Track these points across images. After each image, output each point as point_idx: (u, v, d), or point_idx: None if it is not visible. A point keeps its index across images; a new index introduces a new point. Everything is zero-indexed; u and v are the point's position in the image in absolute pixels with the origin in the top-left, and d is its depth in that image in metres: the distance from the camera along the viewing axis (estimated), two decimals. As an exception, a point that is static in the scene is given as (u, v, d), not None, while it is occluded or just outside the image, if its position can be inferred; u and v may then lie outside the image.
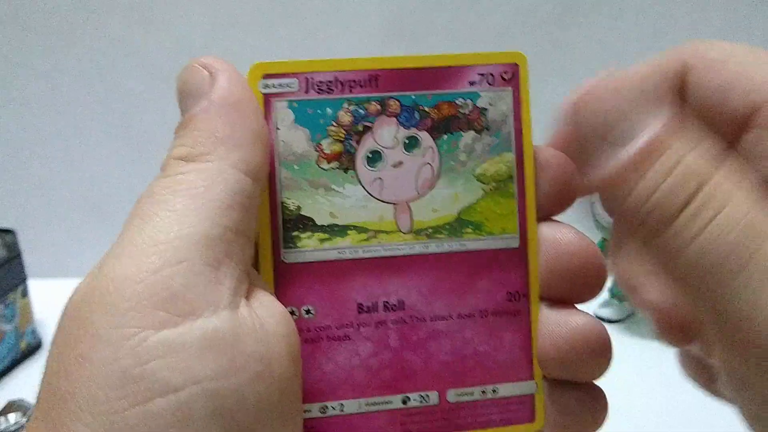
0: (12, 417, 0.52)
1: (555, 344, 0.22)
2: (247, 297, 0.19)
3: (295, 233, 0.21)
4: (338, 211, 0.22)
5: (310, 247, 0.21)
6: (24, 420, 0.52)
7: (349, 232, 0.22)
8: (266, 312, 0.19)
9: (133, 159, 0.80)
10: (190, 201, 0.18)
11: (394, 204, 0.22)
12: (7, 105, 0.79)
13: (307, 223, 0.21)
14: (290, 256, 0.21)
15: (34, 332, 0.64)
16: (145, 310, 0.17)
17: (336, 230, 0.22)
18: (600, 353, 0.22)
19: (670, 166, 0.18)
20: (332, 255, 0.21)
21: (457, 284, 0.22)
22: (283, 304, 0.20)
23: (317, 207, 0.21)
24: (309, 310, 0.21)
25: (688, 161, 0.18)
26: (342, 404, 0.22)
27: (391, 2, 0.76)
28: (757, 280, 0.17)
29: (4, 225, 0.64)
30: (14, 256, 0.61)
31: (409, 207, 0.22)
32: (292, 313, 0.21)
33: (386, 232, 0.22)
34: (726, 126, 0.21)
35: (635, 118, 0.19)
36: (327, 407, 0.21)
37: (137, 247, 0.17)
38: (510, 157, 0.22)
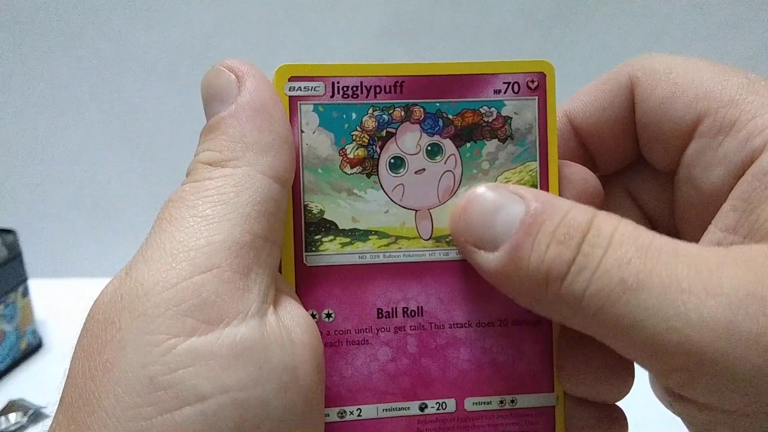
0: (12, 417, 0.52)
1: (576, 362, 0.22)
2: (274, 304, 0.19)
3: (318, 237, 0.21)
4: (360, 215, 0.22)
5: (331, 251, 0.21)
6: (24, 420, 0.52)
7: (370, 237, 0.22)
8: (292, 320, 0.19)
9: (134, 159, 0.80)
10: (220, 207, 0.18)
11: (415, 210, 0.22)
12: (7, 105, 0.79)
13: (329, 227, 0.21)
14: (312, 260, 0.21)
15: (34, 332, 0.64)
16: (174, 317, 0.16)
17: (357, 235, 0.22)
18: (622, 374, 0.21)
19: (551, 231, 0.18)
20: (353, 259, 0.22)
21: (477, 292, 0.22)
22: (303, 306, 0.20)
23: (340, 211, 0.21)
24: (329, 313, 0.22)
25: (567, 221, 0.18)
26: (360, 409, 0.22)
27: (391, 2, 0.76)
28: (656, 296, 0.17)
29: (5, 225, 0.64)
30: (15, 256, 0.61)
31: (430, 214, 0.22)
32: (312, 315, 0.21)
33: (407, 238, 0.22)
34: (672, 138, 0.21)
35: (504, 213, 0.19)
36: (345, 412, 0.21)
37: (167, 252, 0.17)
38: (534, 166, 0.22)
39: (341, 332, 0.21)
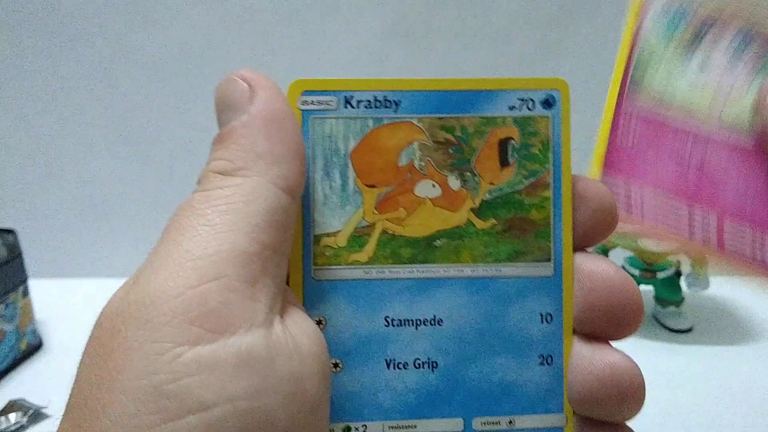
0: (12, 417, 0.52)
1: (584, 381, 0.21)
2: (281, 314, 0.19)
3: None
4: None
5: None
6: (25, 420, 0.52)
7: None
8: (299, 330, 0.19)
9: (133, 159, 0.80)
10: (229, 216, 0.18)
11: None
12: (7, 105, 0.79)
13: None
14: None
15: (34, 332, 0.64)
16: (180, 326, 0.16)
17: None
18: (631, 394, 0.21)
19: None
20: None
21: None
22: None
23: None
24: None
25: None
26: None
27: (391, 2, 0.76)
28: None
29: (5, 225, 0.64)
30: (15, 256, 0.61)
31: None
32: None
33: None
34: None
35: None
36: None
37: (174, 261, 0.17)
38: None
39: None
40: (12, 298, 0.61)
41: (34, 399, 0.54)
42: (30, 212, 0.81)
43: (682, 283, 0.66)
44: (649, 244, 0.60)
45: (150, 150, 0.80)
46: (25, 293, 0.63)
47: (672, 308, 0.65)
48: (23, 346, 0.62)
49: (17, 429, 0.52)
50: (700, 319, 0.67)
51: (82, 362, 0.17)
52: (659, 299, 0.66)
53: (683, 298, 0.66)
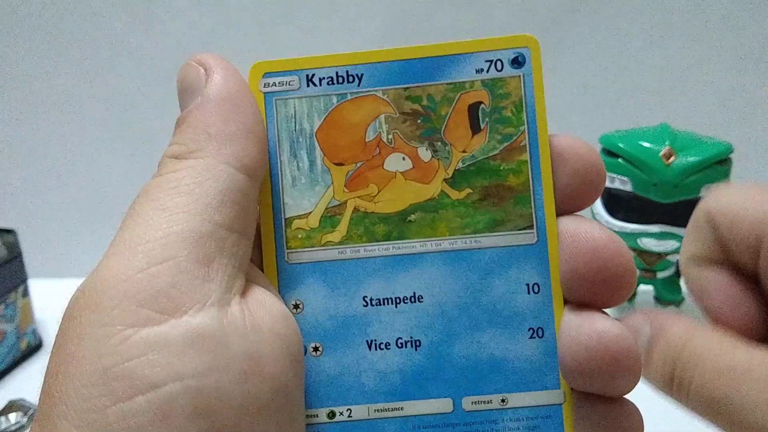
0: (12, 417, 0.52)
1: (573, 352, 0.20)
2: (244, 294, 0.19)
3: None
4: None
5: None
6: (25, 420, 0.52)
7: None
8: (262, 310, 0.19)
9: (133, 159, 0.80)
10: (180, 198, 0.18)
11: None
12: (7, 105, 0.79)
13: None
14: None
15: (34, 332, 0.64)
16: (129, 309, 0.17)
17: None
18: (624, 364, 0.19)
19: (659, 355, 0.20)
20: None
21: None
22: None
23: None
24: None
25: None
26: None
27: (391, 2, 0.76)
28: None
29: (5, 225, 0.64)
30: (15, 256, 0.61)
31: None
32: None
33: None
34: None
35: None
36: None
37: (126, 246, 0.17)
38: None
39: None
40: (12, 298, 0.61)
41: (34, 399, 0.54)
42: (30, 212, 0.81)
43: (682, 283, 0.66)
44: (649, 244, 0.60)
45: (150, 150, 0.80)
46: (25, 293, 0.63)
47: (672, 308, 0.65)
48: (23, 346, 0.62)
49: (17, 429, 0.52)
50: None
51: (51, 353, 0.18)
52: (659, 299, 0.66)
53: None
